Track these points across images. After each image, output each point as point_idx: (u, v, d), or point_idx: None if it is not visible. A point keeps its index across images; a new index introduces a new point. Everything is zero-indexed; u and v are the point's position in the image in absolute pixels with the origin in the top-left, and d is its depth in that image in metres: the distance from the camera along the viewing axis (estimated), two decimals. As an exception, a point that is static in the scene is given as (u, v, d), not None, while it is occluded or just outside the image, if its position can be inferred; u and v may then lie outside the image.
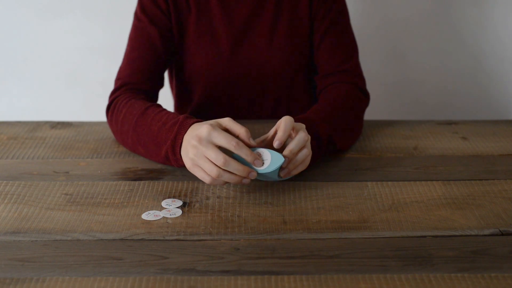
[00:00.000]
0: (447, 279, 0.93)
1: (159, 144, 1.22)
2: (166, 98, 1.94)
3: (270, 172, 1.11)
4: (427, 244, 1.01)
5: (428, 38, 2.13)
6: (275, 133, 1.16)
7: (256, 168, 1.11)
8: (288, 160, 1.13)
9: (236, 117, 1.32)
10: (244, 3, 1.51)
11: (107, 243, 1.02)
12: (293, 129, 1.15)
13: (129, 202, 1.14)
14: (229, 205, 1.13)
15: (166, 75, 1.74)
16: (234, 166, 1.09)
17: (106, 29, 2.13)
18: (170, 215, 1.10)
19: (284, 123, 1.14)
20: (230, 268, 0.96)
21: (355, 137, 1.40)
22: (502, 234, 1.04)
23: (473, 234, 1.04)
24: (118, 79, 1.46)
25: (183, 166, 1.18)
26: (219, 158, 1.09)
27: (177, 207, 1.12)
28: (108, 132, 1.44)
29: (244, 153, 1.10)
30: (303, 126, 1.17)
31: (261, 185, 1.19)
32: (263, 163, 1.12)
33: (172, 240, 1.03)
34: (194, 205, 1.13)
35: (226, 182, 1.12)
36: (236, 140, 1.10)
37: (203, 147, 1.10)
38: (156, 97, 1.49)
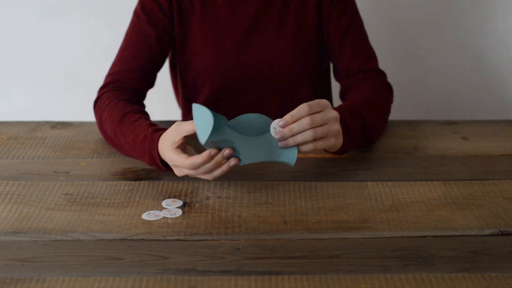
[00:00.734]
0: (447, 279, 0.93)
1: (139, 156, 1.25)
2: (168, 99, 1.94)
3: (256, 137, 1.12)
4: (427, 244, 1.01)
5: (428, 38, 2.13)
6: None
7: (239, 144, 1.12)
8: (284, 123, 1.13)
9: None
10: (251, 3, 1.51)
11: (107, 243, 1.02)
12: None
13: (129, 202, 1.14)
14: (229, 205, 1.13)
15: (167, 77, 1.74)
16: (209, 165, 1.11)
17: (106, 29, 2.13)
18: (170, 215, 1.10)
19: (297, 109, 1.14)
20: (230, 268, 0.96)
21: (383, 130, 1.41)
22: (502, 234, 1.04)
23: (473, 234, 1.04)
24: (109, 74, 1.46)
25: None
26: (186, 171, 1.14)
27: (177, 207, 1.12)
28: (108, 132, 1.44)
29: (203, 170, 1.12)
30: (328, 105, 1.17)
31: (261, 185, 1.19)
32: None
33: (172, 240, 1.03)
34: (194, 205, 1.13)
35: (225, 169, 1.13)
36: (191, 166, 1.12)
37: (175, 168, 1.16)
38: (144, 96, 1.48)
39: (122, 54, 1.47)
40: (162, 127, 1.23)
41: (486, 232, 1.05)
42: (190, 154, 1.16)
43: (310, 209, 1.12)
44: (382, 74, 1.52)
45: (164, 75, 1.73)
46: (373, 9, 2.09)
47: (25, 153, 1.34)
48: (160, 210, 1.11)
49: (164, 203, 1.14)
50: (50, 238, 1.03)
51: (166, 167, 1.21)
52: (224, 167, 1.13)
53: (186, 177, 1.22)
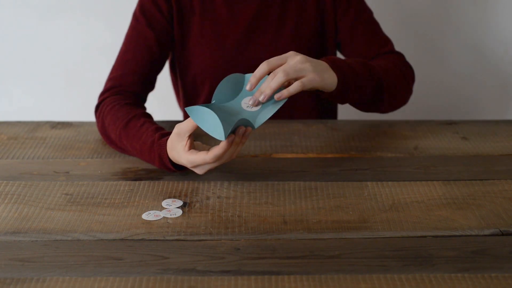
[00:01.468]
0: (447, 279, 0.93)
1: (148, 161, 1.25)
2: (167, 99, 1.94)
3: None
4: (427, 244, 1.01)
5: (428, 38, 2.13)
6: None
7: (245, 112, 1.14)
8: (250, 86, 1.14)
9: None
10: (250, 3, 1.51)
11: (107, 243, 1.02)
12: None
13: (130, 202, 1.14)
14: (230, 205, 1.13)
15: (166, 77, 1.74)
16: (232, 149, 1.12)
17: (106, 29, 2.13)
18: (171, 215, 1.10)
19: (257, 69, 1.14)
20: (230, 268, 0.96)
21: (402, 100, 1.42)
22: (503, 234, 1.04)
23: (473, 234, 1.04)
24: (109, 79, 1.45)
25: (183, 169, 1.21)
26: (209, 166, 1.14)
27: (177, 207, 1.12)
28: (108, 132, 1.44)
29: (218, 160, 1.13)
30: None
31: (261, 185, 1.19)
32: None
33: (172, 240, 1.03)
34: (194, 205, 1.13)
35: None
36: (214, 159, 1.12)
37: (197, 168, 1.16)
38: (145, 99, 1.47)
39: (122, 58, 1.46)
40: (168, 129, 1.24)
41: (486, 232, 1.05)
42: (202, 148, 1.17)
43: (310, 209, 1.12)
44: (401, 55, 1.51)
45: (164, 76, 1.73)
46: (374, 9, 2.09)
47: (25, 153, 1.34)
48: (160, 210, 1.11)
49: (164, 203, 1.14)
50: (50, 238, 1.03)
51: (177, 168, 1.21)
52: (244, 140, 1.13)
53: (186, 177, 1.22)
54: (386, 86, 1.34)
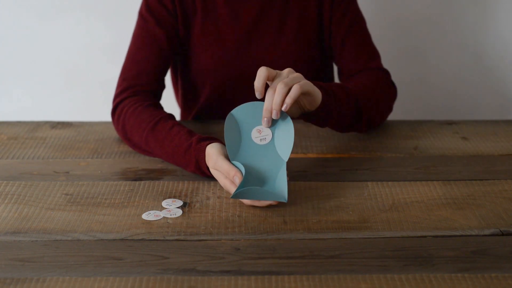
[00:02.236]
0: (447, 279, 0.93)
1: (180, 164, 1.24)
2: (168, 99, 1.94)
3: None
4: (428, 244, 1.01)
5: (428, 38, 2.13)
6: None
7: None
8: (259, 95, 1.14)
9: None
10: (252, 3, 1.50)
11: (108, 243, 1.02)
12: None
13: (130, 202, 1.14)
14: (230, 205, 1.13)
15: (166, 77, 1.74)
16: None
17: (107, 29, 2.13)
18: (171, 215, 1.10)
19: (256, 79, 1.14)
20: (230, 268, 0.96)
21: (381, 120, 1.43)
22: (503, 234, 1.04)
23: (473, 234, 1.04)
24: (123, 79, 1.43)
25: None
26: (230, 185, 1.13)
27: (178, 207, 1.12)
28: (109, 132, 1.44)
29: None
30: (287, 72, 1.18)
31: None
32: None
33: (172, 240, 1.03)
34: (194, 205, 1.13)
35: None
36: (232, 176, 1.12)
37: (221, 177, 1.15)
38: (160, 98, 1.48)
39: (133, 58, 1.46)
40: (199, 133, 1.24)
41: (486, 232, 1.05)
42: None
43: (310, 209, 1.12)
44: (386, 73, 1.52)
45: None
46: (373, 9, 2.09)
47: (25, 153, 1.34)
48: (160, 210, 1.11)
49: (164, 203, 1.14)
50: (50, 238, 1.03)
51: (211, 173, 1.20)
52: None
53: (186, 177, 1.22)
54: (367, 109, 1.35)
